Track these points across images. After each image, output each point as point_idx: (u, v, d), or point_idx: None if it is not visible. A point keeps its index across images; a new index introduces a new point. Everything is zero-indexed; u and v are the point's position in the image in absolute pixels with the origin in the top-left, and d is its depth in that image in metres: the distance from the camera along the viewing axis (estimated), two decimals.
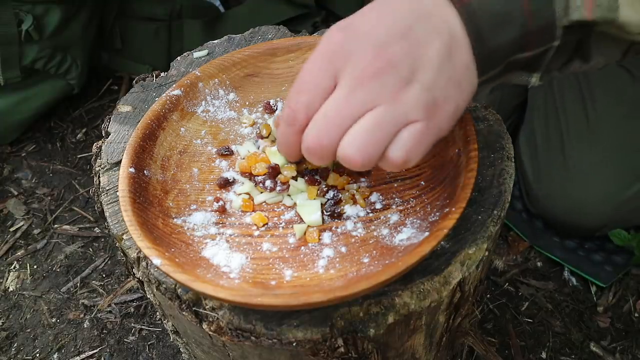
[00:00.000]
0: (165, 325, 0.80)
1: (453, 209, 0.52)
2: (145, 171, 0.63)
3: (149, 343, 1.11)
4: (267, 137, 0.69)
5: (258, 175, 0.64)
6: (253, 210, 0.62)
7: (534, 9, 0.47)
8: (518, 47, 0.48)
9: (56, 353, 1.11)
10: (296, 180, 0.63)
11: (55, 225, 1.33)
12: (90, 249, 1.28)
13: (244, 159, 0.66)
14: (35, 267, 1.26)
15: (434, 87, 0.47)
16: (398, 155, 0.47)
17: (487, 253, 0.57)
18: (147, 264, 0.58)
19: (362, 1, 1.73)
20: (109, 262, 1.25)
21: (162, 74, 0.79)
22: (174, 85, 0.71)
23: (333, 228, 0.59)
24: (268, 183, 0.62)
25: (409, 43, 0.46)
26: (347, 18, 0.50)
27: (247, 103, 0.74)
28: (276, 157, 0.64)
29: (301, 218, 0.60)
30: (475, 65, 0.48)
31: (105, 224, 0.63)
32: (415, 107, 0.46)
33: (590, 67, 0.52)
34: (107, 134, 0.71)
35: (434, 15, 0.47)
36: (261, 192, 0.63)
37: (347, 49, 0.47)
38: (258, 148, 0.67)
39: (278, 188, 0.62)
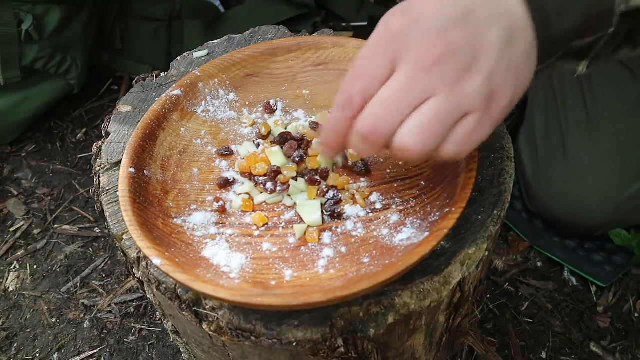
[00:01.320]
0: (165, 325, 0.80)
1: (453, 209, 0.52)
2: (145, 171, 0.63)
3: (149, 343, 1.11)
4: (266, 137, 0.69)
5: (258, 176, 0.64)
6: (253, 210, 0.62)
7: None
8: (578, 33, 0.48)
9: (56, 353, 1.11)
10: (296, 180, 0.63)
11: (55, 225, 1.33)
12: (90, 249, 1.28)
13: (243, 159, 0.66)
14: (35, 267, 1.26)
15: (493, 75, 0.45)
16: (451, 150, 0.47)
17: (487, 253, 0.57)
18: (147, 264, 0.58)
19: (361, 1, 1.73)
20: (109, 262, 1.25)
21: (162, 74, 0.79)
22: (174, 85, 0.71)
23: (333, 228, 0.59)
24: (269, 185, 0.62)
25: (469, 28, 0.45)
26: (405, 1, 0.48)
27: (247, 103, 0.74)
28: (276, 158, 0.64)
29: (301, 218, 0.60)
30: (535, 52, 0.48)
31: (105, 224, 0.63)
32: (473, 97, 0.45)
33: (636, 53, 0.52)
34: (107, 134, 0.71)
35: (495, 0, 0.46)
36: (261, 193, 0.63)
37: (406, 34, 0.46)
38: (257, 147, 0.68)
39: (278, 188, 0.62)
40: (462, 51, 0.45)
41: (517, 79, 0.47)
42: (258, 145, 0.68)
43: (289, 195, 0.62)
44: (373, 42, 0.48)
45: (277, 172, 0.63)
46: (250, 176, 0.64)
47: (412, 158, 0.47)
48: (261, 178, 0.64)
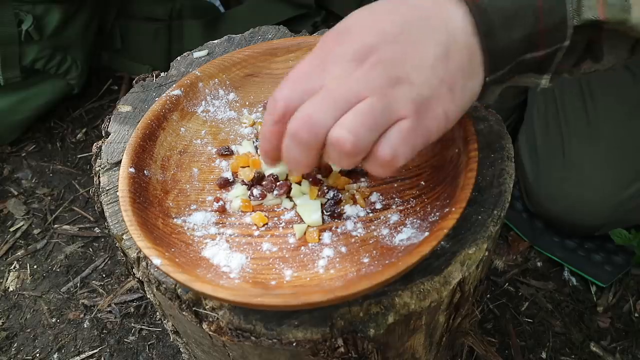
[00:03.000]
0: (165, 325, 0.80)
1: (453, 209, 0.52)
2: (145, 171, 0.63)
3: (149, 343, 1.11)
4: None
5: (246, 181, 0.63)
6: (253, 211, 0.62)
7: (546, 7, 0.46)
8: (528, 45, 0.48)
9: (56, 353, 1.12)
10: (299, 184, 0.62)
11: (55, 225, 1.33)
12: (90, 249, 1.28)
13: (232, 162, 0.66)
14: (35, 267, 1.26)
15: (425, 87, 0.46)
16: (386, 151, 0.46)
17: (487, 253, 0.57)
18: (147, 264, 0.58)
19: (360, 1, 1.73)
20: (109, 262, 1.25)
21: (162, 74, 0.79)
22: (174, 85, 0.71)
23: (333, 228, 0.59)
24: (256, 192, 0.62)
25: (402, 45, 0.46)
26: (343, 21, 0.49)
27: (247, 103, 0.74)
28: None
29: (301, 218, 0.60)
30: (480, 66, 0.48)
31: (105, 224, 0.63)
32: (405, 103, 0.45)
33: (601, 66, 0.52)
34: (107, 134, 0.71)
35: (433, 17, 0.47)
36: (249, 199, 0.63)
37: (339, 50, 0.47)
38: (256, 149, 0.67)
39: (275, 192, 0.62)
40: (391, 65, 0.46)
41: (453, 94, 0.47)
42: (256, 147, 0.68)
43: (288, 197, 0.62)
44: (310, 57, 0.49)
45: (262, 177, 0.63)
46: (242, 180, 0.64)
47: (347, 151, 0.45)
48: (249, 184, 0.63)
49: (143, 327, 1.14)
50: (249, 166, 0.64)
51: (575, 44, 0.49)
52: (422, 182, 0.61)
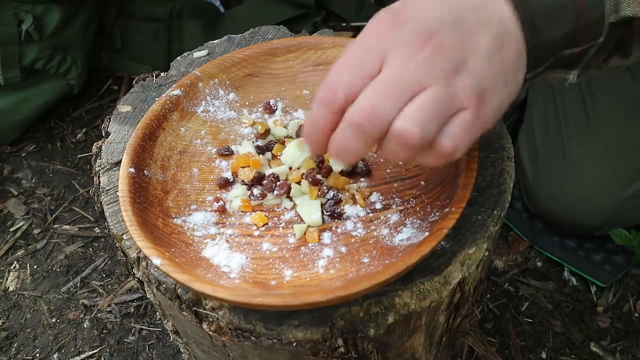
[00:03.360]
0: (165, 325, 0.80)
1: (453, 209, 0.52)
2: (145, 171, 0.63)
3: (149, 343, 1.11)
4: (264, 135, 0.69)
5: (246, 181, 0.63)
6: (253, 210, 0.62)
7: (588, 4, 0.47)
8: (568, 42, 0.48)
9: (56, 353, 1.11)
10: (299, 184, 0.62)
11: (55, 225, 1.33)
12: (90, 249, 1.28)
13: (232, 162, 0.66)
14: (35, 267, 1.26)
15: (483, 77, 0.45)
16: (447, 144, 0.45)
17: (487, 253, 0.57)
18: (147, 264, 0.58)
19: (361, 1, 1.73)
20: (109, 262, 1.25)
21: (162, 74, 0.79)
22: (174, 85, 0.71)
23: (333, 228, 0.59)
24: (256, 192, 0.62)
25: (460, 32, 0.45)
26: (398, 2, 0.47)
27: (247, 103, 0.74)
28: (294, 151, 0.63)
29: (301, 218, 0.60)
30: (524, 60, 0.48)
31: (105, 224, 0.63)
32: (467, 92, 0.45)
33: (628, 62, 0.52)
34: (107, 134, 0.71)
35: (488, 6, 0.46)
36: (250, 199, 0.63)
37: (397, 32, 0.45)
38: (257, 148, 0.67)
39: (275, 192, 0.62)
40: (452, 51, 0.44)
41: (506, 85, 0.47)
42: (258, 147, 0.67)
43: (288, 197, 0.62)
44: (361, 37, 0.47)
45: (262, 177, 0.63)
46: (242, 180, 0.64)
47: (413, 143, 0.44)
48: (250, 183, 0.63)
49: (143, 327, 1.14)
50: (249, 166, 0.64)
51: (609, 41, 0.49)
52: (422, 182, 0.61)
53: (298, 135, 0.68)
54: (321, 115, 0.46)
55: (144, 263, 0.58)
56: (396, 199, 0.61)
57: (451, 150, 0.45)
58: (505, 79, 0.46)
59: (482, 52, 0.45)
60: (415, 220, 0.58)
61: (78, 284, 1.22)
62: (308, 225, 0.59)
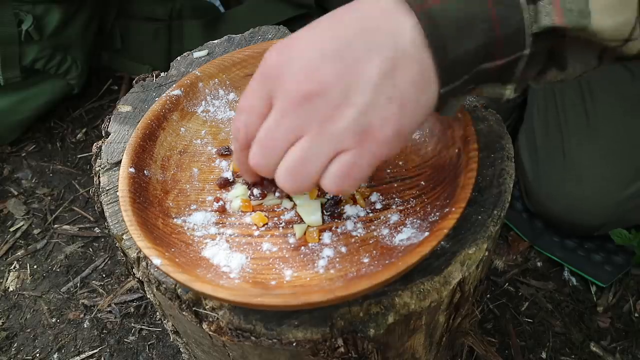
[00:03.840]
0: (165, 325, 0.80)
1: (453, 209, 0.52)
2: (145, 171, 0.63)
3: (149, 343, 1.11)
4: None
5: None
6: (253, 210, 0.62)
7: (500, 16, 0.44)
8: (484, 55, 0.45)
9: (56, 353, 1.11)
10: None
11: (55, 225, 1.33)
12: (90, 249, 1.28)
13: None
14: (35, 267, 1.26)
15: (368, 110, 0.44)
16: (330, 186, 0.47)
17: (487, 253, 0.57)
18: (147, 264, 0.58)
19: None
20: (109, 262, 1.25)
21: (162, 74, 0.79)
22: (174, 85, 0.71)
23: (333, 228, 0.59)
24: (256, 192, 0.62)
25: (344, 63, 0.44)
26: (288, 36, 0.48)
27: None
28: None
29: (301, 218, 0.60)
30: (433, 78, 0.45)
31: (105, 224, 0.63)
32: (343, 136, 0.45)
33: (567, 74, 0.49)
34: (107, 134, 0.71)
35: (380, 29, 0.45)
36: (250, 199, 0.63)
37: (279, 72, 0.46)
38: None
39: (277, 194, 0.62)
40: (332, 88, 0.44)
41: (402, 110, 0.45)
42: None
43: (288, 197, 0.62)
44: (253, 78, 0.49)
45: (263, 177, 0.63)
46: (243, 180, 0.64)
47: (292, 194, 0.51)
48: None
49: (143, 327, 1.14)
50: None
51: (537, 52, 0.46)
52: (422, 182, 0.61)
53: None
54: (236, 149, 0.53)
55: (144, 263, 0.58)
56: (396, 199, 0.61)
57: (336, 191, 0.48)
58: (401, 104, 0.45)
59: (369, 80, 0.44)
60: (415, 220, 0.58)
61: (78, 284, 1.22)
62: (308, 225, 0.59)
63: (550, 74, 0.49)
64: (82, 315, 1.17)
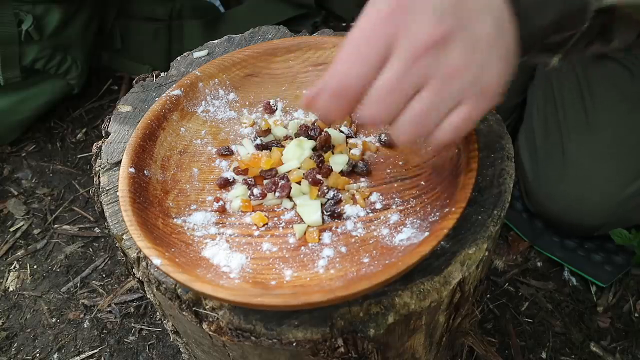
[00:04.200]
0: (165, 325, 0.80)
1: (453, 209, 0.52)
2: (145, 171, 0.63)
3: (149, 343, 1.11)
4: (266, 133, 0.69)
5: (250, 177, 0.64)
6: (253, 210, 0.62)
7: None
8: (554, 29, 0.50)
9: (56, 353, 1.11)
10: (299, 184, 0.62)
11: (55, 225, 1.33)
12: (90, 249, 1.28)
13: (242, 159, 0.66)
14: (35, 267, 1.26)
15: (486, 67, 0.47)
16: (444, 137, 0.48)
17: (487, 253, 0.57)
18: (147, 264, 0.58)
19: (360, 1, 1.73)
20: (109, 262, 1.25)
21: (162, 74, 0.79)
22: (174, 85, 0.71)
23: (333, 228, 0.59)
24: (256, 192, 0.62)
25: (464, 14, 0.46)
26: None
27: (247, 103, 0.74)
28: (295, 150, 0.64)
29: (301, 218, 0.60)
30: (517, 45, 0.49)
31: (105, 224, 0.63)
32: (465, 92, 0.47)
33: (608, 49, 0.54)
34: (107, 134, 0.71)
35: None
36: (250, 198, 0.63)
37: (401, 17, 0.46)
38: (257, 147, 0.67)
39: (277, 194, 0.62)
40: (456, 38, 0.46)
41: (507, 69, 0.48)
42: (258, 145, 0.67)
43: (288, 197, 0.62)
44: (365, 26, 0.47)
45: (262, 177, 0.64)
46: (245, 180, 0.64)
47: (405, 145, 0.50)
48: (251, 180, 0.64)
49: (143, 327, 1.14)
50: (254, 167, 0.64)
51: (592, 27, 0.51)
52: (422, 182, 0.61)
53: (297, 135, 0.68)
54: (335, 105, 0.49)
55: (144, 263, 0.58)
56: (396, 199, 0.61)
57: (451, 140, 0.49)
58: (506, 63, 0.48)
59: (486, 36, 0.46)
60: (415, 220, 0.58)
61: (78, 284, 1.22)
62: (308, 225, 0.59)
63: (595, 47, 0.55)
64: (82, 315, 1.17)
